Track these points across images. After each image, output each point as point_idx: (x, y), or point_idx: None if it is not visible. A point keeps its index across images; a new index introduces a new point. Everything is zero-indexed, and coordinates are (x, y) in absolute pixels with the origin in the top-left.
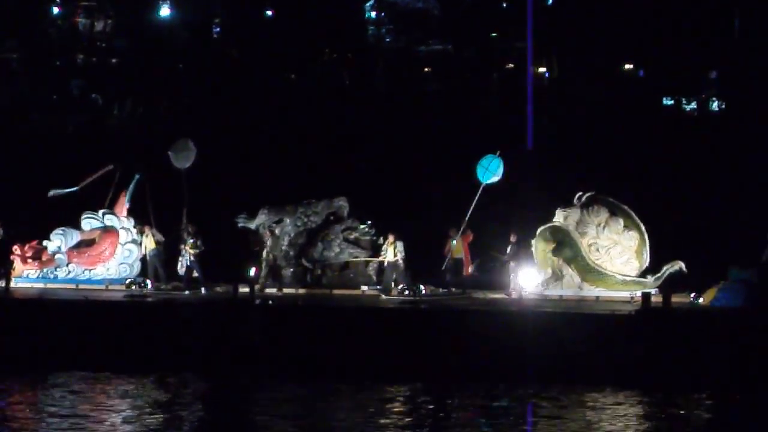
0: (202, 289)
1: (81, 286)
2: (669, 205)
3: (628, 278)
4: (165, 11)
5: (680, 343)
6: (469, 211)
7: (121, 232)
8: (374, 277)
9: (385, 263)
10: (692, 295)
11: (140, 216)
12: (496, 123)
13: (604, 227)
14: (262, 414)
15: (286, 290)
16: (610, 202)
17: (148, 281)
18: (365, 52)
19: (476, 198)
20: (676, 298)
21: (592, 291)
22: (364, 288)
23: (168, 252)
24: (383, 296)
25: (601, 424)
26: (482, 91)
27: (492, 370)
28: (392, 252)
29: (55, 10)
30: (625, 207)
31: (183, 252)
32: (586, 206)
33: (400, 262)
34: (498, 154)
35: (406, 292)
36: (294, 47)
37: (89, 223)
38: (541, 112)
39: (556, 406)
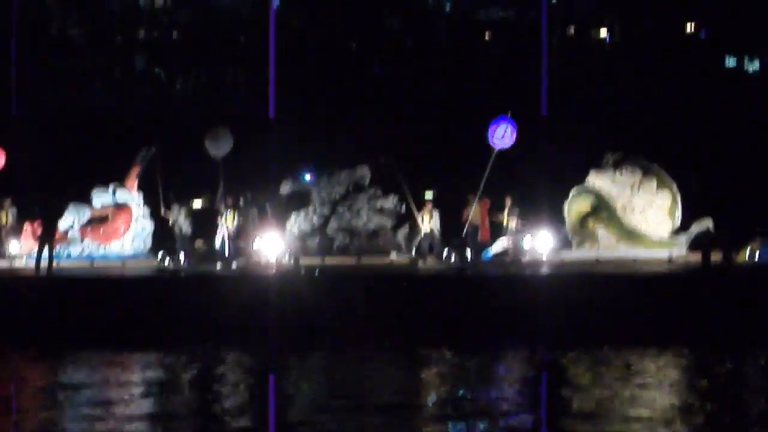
0: (233, 264)
1: (96, 263)
2: (708, 164)
3: (665, 239)
4: None
5: (746, 301)
6: (484, 177)
7: (134, 207)
8: (403, 245)
9: (422, 232)
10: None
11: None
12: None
13: (638, 188)
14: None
15: (311, 260)
16: (642, 163)
17: (181, 255)
18: (426, 18)
19: (490, 163)
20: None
21: (628, 252)
22: (393, 255)
23: (204, 226)
24: (420, 263)
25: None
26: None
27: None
28: (428, 220)
29: None
30: (656, 165)
31: (220, 226)
32: (617, 167)
33: (436, 231)
34: (509, 114)
35: (453, 259)
36: (355, 15)
37: (99, 198)
38: (602, 76)
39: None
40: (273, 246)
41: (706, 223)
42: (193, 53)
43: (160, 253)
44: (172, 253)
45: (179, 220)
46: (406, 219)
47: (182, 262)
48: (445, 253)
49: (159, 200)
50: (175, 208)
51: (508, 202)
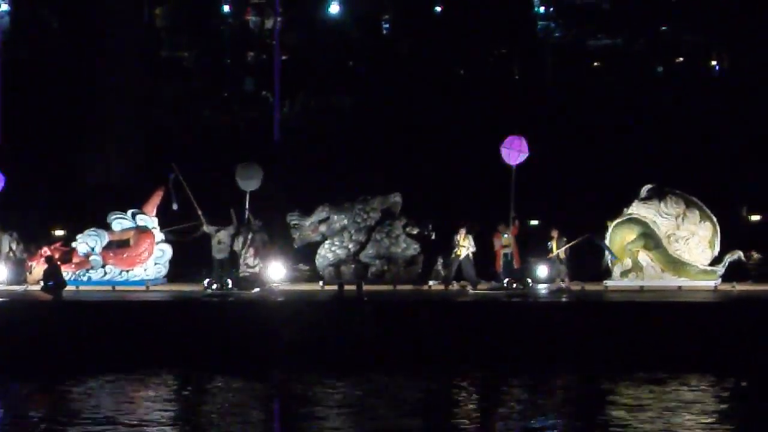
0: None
1: (118, 288)
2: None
3: (707, 268)
4: (334, 7)
5: None
6: (512, 201)
7: (154, 232)
8: (442, 272)
9: (461, 257)
10: None
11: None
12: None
13: (683, 218)
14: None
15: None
16: (682, 194)
17: (229, 280)
18: (534, 47)
19: (512, 183)
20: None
21: (674, 281)
22: (431, 283)
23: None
24: (470, 290)
25: None
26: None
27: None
28: (467, 245)
29: (226, 8)
30: (695, 198)
31: (247, 249)
32: (662, 198)
33: (470, 255)
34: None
35: (514, 285)
36: (463, 43)
37: (120, 223)
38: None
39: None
40: (276, 272)
41: (738, 254)
42: (301, 77)
43: (206, 281)
44: (217, 278)
45: (215, 243)
46: (439, 246)
47: (230, 286)
48: (506, 280)
49: (199, 217)
50: (212, 229)
51: (555, 233)
